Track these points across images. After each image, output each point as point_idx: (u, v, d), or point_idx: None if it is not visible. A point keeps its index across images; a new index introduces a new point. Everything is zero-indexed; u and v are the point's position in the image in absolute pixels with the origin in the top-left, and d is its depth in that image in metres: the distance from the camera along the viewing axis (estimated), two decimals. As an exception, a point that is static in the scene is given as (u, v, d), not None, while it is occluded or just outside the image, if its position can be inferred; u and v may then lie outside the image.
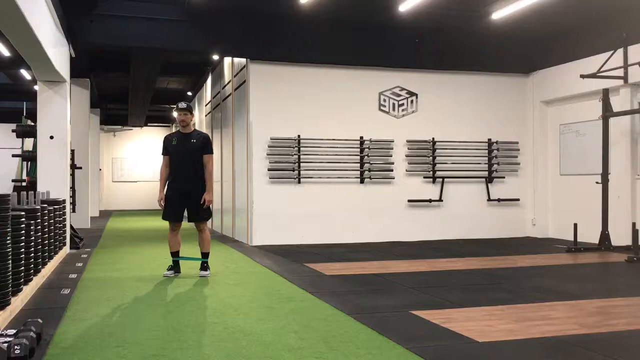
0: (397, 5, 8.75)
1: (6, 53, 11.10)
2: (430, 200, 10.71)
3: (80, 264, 7.59)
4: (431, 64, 10.81)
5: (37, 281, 5.83)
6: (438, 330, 4.16)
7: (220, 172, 13.12)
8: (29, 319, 3.97)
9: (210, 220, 6.94)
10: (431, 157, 10.75)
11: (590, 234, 9.21)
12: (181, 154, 6.52)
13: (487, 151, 11.05)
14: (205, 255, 6.61)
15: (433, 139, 10.76)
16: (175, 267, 6.60)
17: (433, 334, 4.08)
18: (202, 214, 6.53)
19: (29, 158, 9.87)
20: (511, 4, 8.60)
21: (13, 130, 9.83)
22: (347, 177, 10.33)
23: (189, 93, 18.25)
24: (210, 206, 6.64)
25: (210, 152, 6.61)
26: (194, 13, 9.55)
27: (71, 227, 9.47)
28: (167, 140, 6.70)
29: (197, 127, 17.38)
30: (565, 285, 6.05)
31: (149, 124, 24.23)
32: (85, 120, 14.85)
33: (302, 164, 10.09)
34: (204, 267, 6.58)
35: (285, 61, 10.22)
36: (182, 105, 6.64)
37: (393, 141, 10.59)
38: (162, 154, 6.69)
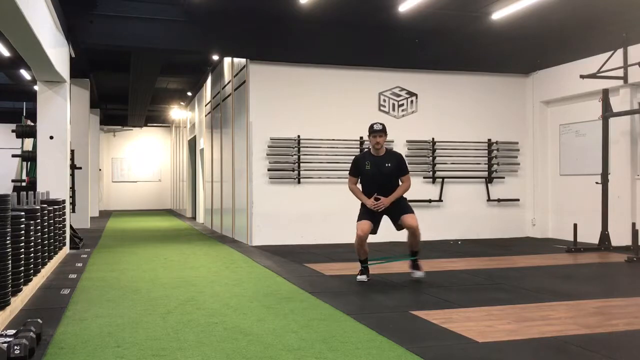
0: (397, 6, 8.74)
1: (6, 53, 11.10)
2: (430, 201, 10.71)
3: (80, 264, 7.59)
4: (431, 64, 10.81)
5: (37, 281, 5.83)
6: (438, 330, 4.16)
7: (220, 172, 13.12)
8: (29, 319, 3.97)
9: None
10: (431, 157, 10.75)
11: (590, 234, 9.21)
12: (377, 179, 6.11)
13: (487, 151, 11.04)
14: (415, 253, 6.20)
15: (433, 139, 10.76)
16: (367, 271, 6.25)
17: (433, 334, 4.08)
18: (406, 206, 6.07)
19: (29, 158, 9.87)
20: (511, 4, 8.60)
21: (13, 130, 9.82)
22: (347, 177, 10.28)
23: (189, 93, 18.25)
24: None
25: (408, 172, 6.20)
26: (194, 13, 9.54)
27: (71, 227, 9.47)
28: (358, 163, 6.26)
29: (196, 128, 17.42)
30: (565, 285, 6.05)
31: (148, 124, 24.26)
32: (85, 120, 14.86)
33: (302, 164, 10.09)
34: (418, 266, 6.23)
35: (285, 61, 10.22)
36: (378, 126, 6.09)
37: (393, 141, 10.56)
38: (351, 174, 6.32)
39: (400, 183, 6.21)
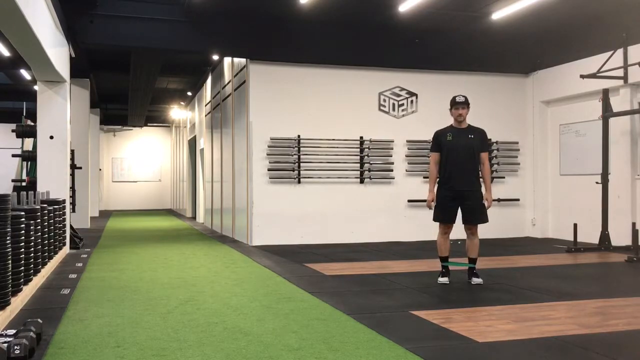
0: (397, 5, 8.74)
1: (6, 53, 11.10)
2: (430, 200, 10.69)
3: (80, 264, 7.59)
4: (431, 64, 10.81)
5: (37, 281, 5.83)
6: (438, 330, 4.16)
7: (220, 172, 13.12)
8: (29, 319, 3.97)
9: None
10: (431, 157, 10.74)
11: (590, 234, 9.21)
12: (457, 151, 5.89)
13: (487, 151, 11.04)
14: (473, 260, 6.11)
15: (433, 139, 10.76)
16: (448, 273, 6.15)
17: (433, 334, 4.08)
18: (481, 216, 5.95)
19: (29, 158, 9.87)
20: (511, 4, 8.60)
21: (13, 130, 9.83)
22: (346, 177, 10.33)
23: (189, 93, 18.25)
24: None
25: (488, 149, 6.01)
26: (194, 13, 9.55)
27: (71, 227, 9.47)
28: (439, 136, 6.04)
29: (197, 128, 17.42)
30: (565, 285, 6.05)
31: (148, 124, 24.26)
32: (85, 120, 14.86)
33: (302, 164, 10.09)
34: (476, 274, 6.06)
35: (285, 61, 10.22)
36: (461, 98, 5.93)
37: (393, 141, 10.58)
38: (432, 150, 6.09)
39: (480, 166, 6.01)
